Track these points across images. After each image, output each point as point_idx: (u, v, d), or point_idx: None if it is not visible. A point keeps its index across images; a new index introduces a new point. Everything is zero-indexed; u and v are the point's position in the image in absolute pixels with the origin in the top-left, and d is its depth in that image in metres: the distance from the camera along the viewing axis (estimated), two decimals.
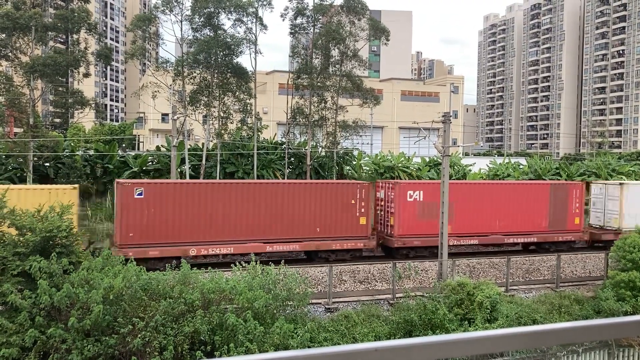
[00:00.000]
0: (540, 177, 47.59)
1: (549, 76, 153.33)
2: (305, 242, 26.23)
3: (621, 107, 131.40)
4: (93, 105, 38.43)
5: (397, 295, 22.15)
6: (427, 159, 48.99)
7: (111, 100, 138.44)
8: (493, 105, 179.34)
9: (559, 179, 47.54)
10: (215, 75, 37.91)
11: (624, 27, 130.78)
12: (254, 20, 38.10)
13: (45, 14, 37.25)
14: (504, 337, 1.62)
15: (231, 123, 38.87)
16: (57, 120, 61.48)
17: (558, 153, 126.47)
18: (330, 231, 26.45)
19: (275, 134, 52.51)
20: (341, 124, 39.85)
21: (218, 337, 15.75)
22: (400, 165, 45.89)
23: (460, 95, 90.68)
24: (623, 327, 1.83)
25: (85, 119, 41.57)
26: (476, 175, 48.21)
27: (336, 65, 39.67)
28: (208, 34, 37.43)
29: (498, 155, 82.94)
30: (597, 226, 32.62)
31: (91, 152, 40.99)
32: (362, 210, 27.07)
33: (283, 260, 20.21)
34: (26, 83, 34.42)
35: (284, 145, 41.53)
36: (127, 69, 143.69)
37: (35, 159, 35.16)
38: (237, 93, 38.09)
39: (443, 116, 24.99)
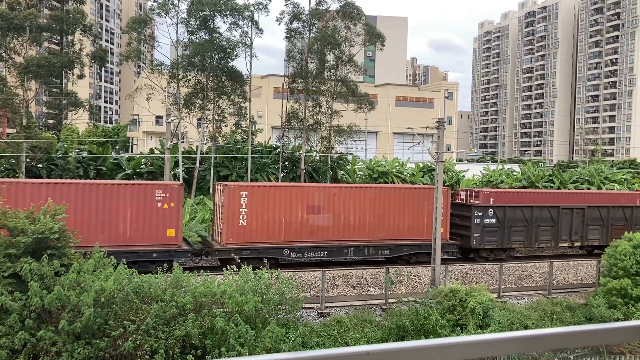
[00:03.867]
0: (533, 184, 47.75)
1: (543, 83, 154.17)
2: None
3: (614, 115, 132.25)
4: (87, 106, 38.30)
5: (390, 301, 22.14)
6: (421, 165, 49.07)
7: (105, 102, 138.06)
8: (487, 112, 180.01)
9: (551, 186, 47.75)
10: (210, 78, 37.89)
11: (617, 36, 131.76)
12: (250, 23, 38.17)
13: (40, 14, 37.14)
14: (496, 342, 1.62)
15: (225, 126, 38.83)
16: (51, 121, 61.23)
17: (551, 160, 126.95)
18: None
19: (270, 137, 52.52)
20: (336, 128, 39.89)
21: (209, 341, 15.69)
22: (394, 170, 45.94)
23: (454, 101, 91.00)
24: (614, 333, 1.83)
25: (79, 121, 41.42)
26: (470, 181, 48.32)
27: (331, 70, 39.73)
28: (203, 37, 37.43)
29: (492, 162, 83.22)
30: None
31: (84, 154, 40.80)
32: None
33: (273, 264, 20.19)
34: (20, 84, 34.25)
35: (278, 149, 41.52)
36: (121, 71, 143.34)
37: (28, 160, 34.97)
38: (232, 96, 38.09)
39: (437, 122, 25.07)
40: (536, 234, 30.13)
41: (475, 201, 29.58)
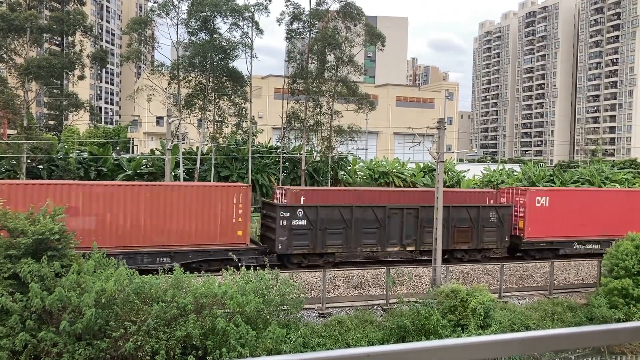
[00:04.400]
0: (534, 184, 47.72)
1: (544, 83, 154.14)
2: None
3: (614, 115, 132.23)
4: (87, 107, 38.32)
5: (391, 301, 22.13)
6: (422, 165, 49.09)
7: (106, 103, 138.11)
8: (487, 112, 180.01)
9: (552, 186, 47.70)
10: (211, 79, 37.88)
11: (617, 36, 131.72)
12: (250, 24, 38.15)
13: (41, 15, 37.16)
14: (497, 343, 1.62)
15: (226, 127, 38.81)
16: (51, 122, 61.25)
17: (552, 160, 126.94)
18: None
19: (270, 138, 52.54)
20: (336, 129, 39.87)
21: (210, 341, 15.69)
22: (394, 170, 45.93)
23: (454, 101, 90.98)
24: (615, 333, 1.83)
25: (80, 122, 41.42)
26: (470, 181, 48.32)
27: (332, 71, 39.69)
28: (204, 37, 37.41)
29: (492, 162, 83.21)
30: None
31: (85, 155, 40.83)
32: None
33: (276, 267, 20.18)
34: (20, 85, 34.26)
35: (279, 150, 41.50)
36: (122, 72, 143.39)
37: (29, 161, 34.99)
38: (233, 97, 38.06)
39: (437, 122, 25.06)
40: (358, 237, 26.77)
41: (283, 200, 26.70)
